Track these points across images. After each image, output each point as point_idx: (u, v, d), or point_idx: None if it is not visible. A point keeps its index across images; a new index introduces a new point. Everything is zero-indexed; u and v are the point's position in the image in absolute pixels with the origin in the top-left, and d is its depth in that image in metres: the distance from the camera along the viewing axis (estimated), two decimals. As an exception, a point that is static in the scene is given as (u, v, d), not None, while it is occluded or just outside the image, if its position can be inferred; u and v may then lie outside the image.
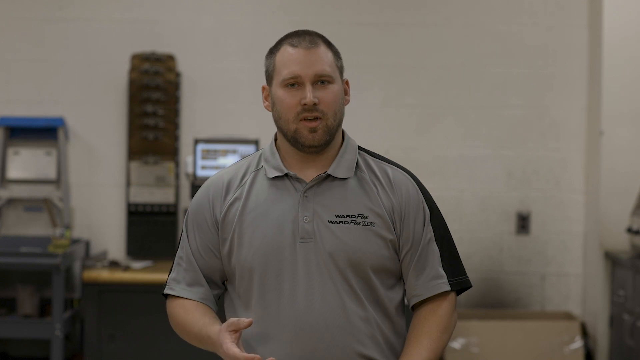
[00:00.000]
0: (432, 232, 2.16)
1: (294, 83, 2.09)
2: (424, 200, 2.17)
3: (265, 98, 2.19)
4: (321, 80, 2.09)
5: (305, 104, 2.07)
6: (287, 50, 2.11)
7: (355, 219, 2.10)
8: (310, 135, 2.09)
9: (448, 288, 2.15)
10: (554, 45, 5.47)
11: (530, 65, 5.47)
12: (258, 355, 1.95)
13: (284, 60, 2.10)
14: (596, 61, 5.30)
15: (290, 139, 2.12)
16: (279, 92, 2.11)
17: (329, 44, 2.15)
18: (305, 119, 2.08)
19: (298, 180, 2.13)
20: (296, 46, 2.10)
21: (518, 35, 5.47)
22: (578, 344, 5.10)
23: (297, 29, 2.16)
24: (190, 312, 2.15)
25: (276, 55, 2.13)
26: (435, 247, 2.16)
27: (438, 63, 5.49)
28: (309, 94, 2.07)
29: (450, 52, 5.49)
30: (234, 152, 5.15)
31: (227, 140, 5.19)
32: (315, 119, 2.08)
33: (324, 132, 2.10)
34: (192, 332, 2.14)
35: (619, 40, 5.19)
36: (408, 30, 5.49)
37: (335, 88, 2.11)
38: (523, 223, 5.48)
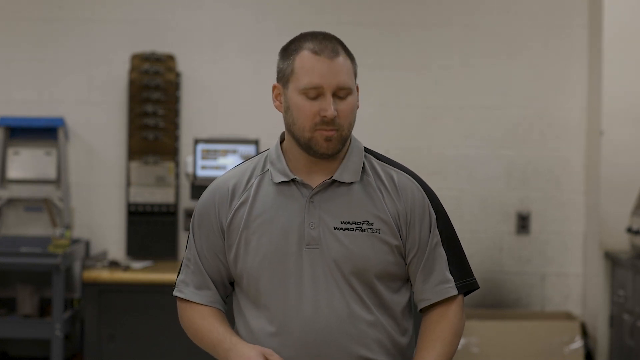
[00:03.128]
0: (439, 236, 2.16)
1: (315, 93, 2.06)
2: (429, 204, 2.16)
3: (276, 97, 2.15)
4: (341, 92, 2.06)
5: (325, 116, 2.04)
6: (309, 57, 2.05)
7: (360, 225, 2.09)
8: (326, 143, 2.06)
9: (455, 292, 2.15)
10: (554, 45, 5.47)
11: (530, 65, 5.48)
12: None
13: (305, 67, 2.05)
14: (596, 61, 5.30)
15: (303, 145, 2.09)
16: (296, 98, 2.07)
17: (347, 51, 2.10)
18: (323, 130, 2.06)
19: (304, 185, 2.12)
20: (319, 54, 2.05)
21: (518, 35, 5.47)
22: (578, 344, 5.10)
23: (312, 31, 2.11)
24: (205, 318, 2.16)
25: (295, 59, 2.07)
26: (442, 251, 2.16)
27: (438, 63, 5.49)
28: (330, 107, 2.04)
29: (450, 52, 5.49)
30: (234, 152, 5.15)
31: (227, 140, 5.19)
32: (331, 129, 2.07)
33: (337, 142, 2.08)
34: (209, 339, 2.14)
35: (619, 40, 5.19)
36: (408, 30, 5.49)
37: (353, 99, 2.09)
38: (523, 223, 5.48)
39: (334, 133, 2.06)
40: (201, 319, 2.16)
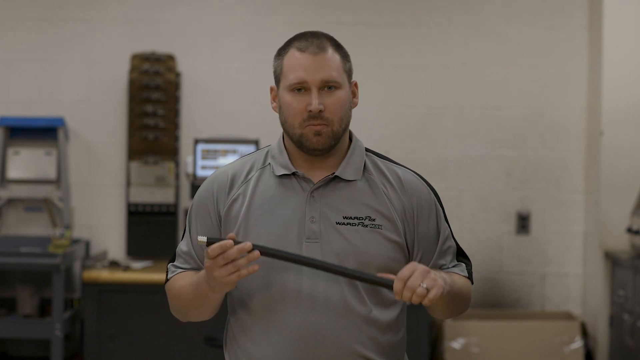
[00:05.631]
0: (449, 229, 2.21)
1: (300, 88, 2.08)
2: (435, 199, 2.19)
3: (273, 99, 2.18)
4: (328, 86, 2.08)
5: (310, 111, 2.06)
6: (294, 55, 2.09)
7: (362, 221, 2.10)
8: (315, 138, 2.08)
9: (467, 275, 2.20)
10: (554, 45, 5.47)
11: (530, 65, 5.48)
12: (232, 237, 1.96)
13: (291, 65, 2.09)
14: (596, 61, 5.30)
15: (295, 142, 2.11)
16: (285, 96, 2.10)
17: (337, 47, 2.12)
18: (311, 125, 2.08)
19: (305, 180, 2.13)
20: (304, 51, 2.08)
21: (518, 35, 5.48)
22: (578, 344, 5.10)
23: (304, 31, 2.14)
24: (185, 277, 2.13)
25: (284, 58, 2.11)
26: (452, 243, 2.21)
27: (438, 63, 5.49)
28: (314, 101, 2.06)
29: (450, 52, 5.49)
30: (234, 152, 5.15)
31: (227, 140, 5.19)
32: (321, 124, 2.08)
33: (328, 137, 2.09)
34: (188, 290, 2.09)
35: (619, 40, 5.19)
36: (408, 30, 5.49)
37: (342, 93, 2.10)
38: (523, 223, 5.48)
39: (323, 127, 2.08)
40: (182, 279, 2.13)
